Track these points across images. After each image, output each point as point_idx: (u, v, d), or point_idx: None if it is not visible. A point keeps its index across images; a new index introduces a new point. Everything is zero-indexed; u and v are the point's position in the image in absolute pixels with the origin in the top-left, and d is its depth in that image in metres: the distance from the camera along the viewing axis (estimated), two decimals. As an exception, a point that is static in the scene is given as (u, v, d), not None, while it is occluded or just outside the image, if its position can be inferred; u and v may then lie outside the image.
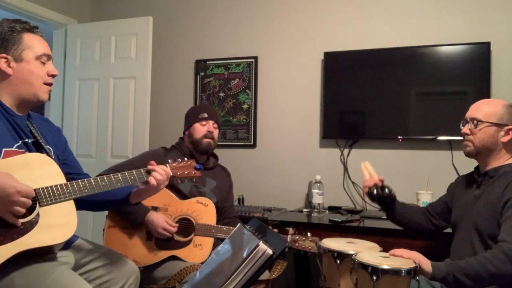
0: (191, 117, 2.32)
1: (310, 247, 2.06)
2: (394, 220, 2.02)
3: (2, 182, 1.22)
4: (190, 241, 2.04)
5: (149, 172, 1.57)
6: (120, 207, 1.89)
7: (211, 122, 2.27)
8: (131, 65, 3.34)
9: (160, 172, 1.57)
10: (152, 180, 1.55)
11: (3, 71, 1.43)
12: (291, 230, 2.14)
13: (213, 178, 2.29)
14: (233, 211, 2.42)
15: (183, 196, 2.13)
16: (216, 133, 2.30)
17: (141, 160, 2.11)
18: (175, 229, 1.99)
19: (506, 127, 1.68)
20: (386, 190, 1.90)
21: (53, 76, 1.52)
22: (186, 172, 1.69)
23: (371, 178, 1.94)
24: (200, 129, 2.25)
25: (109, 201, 1.64)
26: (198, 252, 2.03)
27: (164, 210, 2.05)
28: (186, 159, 1.73)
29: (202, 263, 2.04)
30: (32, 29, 1.50)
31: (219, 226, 2.07)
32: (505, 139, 1.68)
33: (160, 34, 3.49)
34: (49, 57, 1.51)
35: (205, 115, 2.27)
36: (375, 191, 1.90)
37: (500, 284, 1.49)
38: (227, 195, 2.35)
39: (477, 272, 1.45)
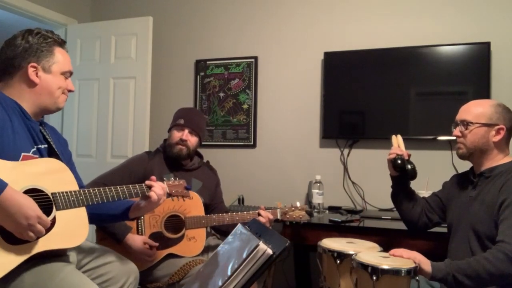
0: (172, 121, 2.31)
1: (300, 216, 2.11)
2: (396, 200, 1.99)
3: (25, 203, 1.25)
4: (183, 236, 2.06)
5: (150, 187, 1.63)
6: (119, 221, 1.92)
7: (186, 130, 2.22)
8: (131, 65, 3.34)
9: (159, 188, 1.64)
10: (153, 195, 1.61)
11: (31, 80, 1.47)
12: (279, 204, 2.19)
13: (199, 179, 2.28)
14: (224, 207, 2.40)
15: None
16: (192, 140, 2.23)
17: (125, 169, 2.16)
18: (154, 252, 1.98)
19: (497, 127, 1.68)
20: (410, 166, 1.90)
21: (70, 91, 1.60)
22: (179, 191, 1.79)
23: (399, 149, 1.95)
24: (175, 134, 2.23)
25: (111, 215, 1.69)
26: (193, 245, 2.06)
27: (151, 212, 2.05)
28: (177, 179, 1.82)
29: (199, 255, 2.08)
30: (62, 44, 1.59)
31: (208, 215, 2.10)
32: (496, 138, 1.68)
33: (160, 34, 3.49)
34: (71, 74, 1.60)
35: (181, 121, 2.23)
36: (399, 161, 1.90)
37: (500, 284, 1.49)
38: (214, 193, 2.35)
39: (476, 272, 1.45)
